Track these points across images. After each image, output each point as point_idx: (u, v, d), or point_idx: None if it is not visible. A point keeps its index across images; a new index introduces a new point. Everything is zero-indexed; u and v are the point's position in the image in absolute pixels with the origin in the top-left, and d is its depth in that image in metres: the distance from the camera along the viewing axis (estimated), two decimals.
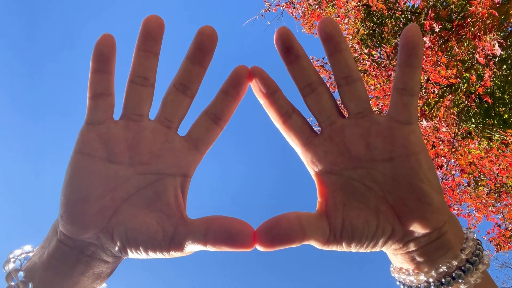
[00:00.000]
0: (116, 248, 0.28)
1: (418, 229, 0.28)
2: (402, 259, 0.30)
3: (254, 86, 0.31)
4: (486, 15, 3.09)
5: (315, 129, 0.31)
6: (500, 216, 3.40)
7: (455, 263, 0.28)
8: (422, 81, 3.18)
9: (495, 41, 3.01)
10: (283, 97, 0.31)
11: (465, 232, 0.30)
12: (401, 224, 0.28)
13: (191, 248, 0.28)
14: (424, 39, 3.06)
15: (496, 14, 3.08)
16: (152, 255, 0.28)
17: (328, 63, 0.30)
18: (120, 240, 0.28)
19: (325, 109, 0.30)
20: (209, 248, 0.28)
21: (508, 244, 3.31)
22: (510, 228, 3.34)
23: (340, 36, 0.29)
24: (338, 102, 0.32)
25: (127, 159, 0.29)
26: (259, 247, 0.28)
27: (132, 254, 0.29)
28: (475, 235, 0.30)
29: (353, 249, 0.29)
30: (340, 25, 3.37)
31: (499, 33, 3.26)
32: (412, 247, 0.29)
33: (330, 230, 0.29)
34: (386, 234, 0.28)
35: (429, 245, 0.28)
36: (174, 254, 0.29)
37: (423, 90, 3.19)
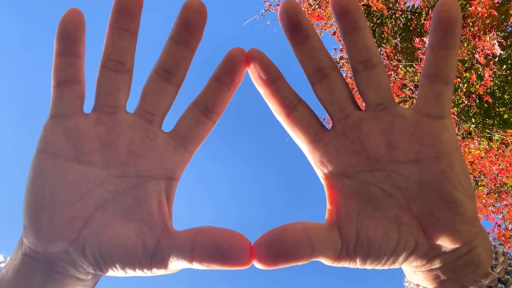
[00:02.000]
0: (89, 265, 0.24)
1: (446, 243, 0.23)
2: (423, 276, 0.25)
3: (253, 72, 0.26)
4: (486, 15, 3.08)
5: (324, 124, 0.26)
6: (500, 216, 3.36)
7: (485, 282, 0.23)
8: None
9: (495, 41, 3.01)
10: (287, 85, 0.26)
11: (493, 244, 0.25)
12: (426, 238, 0.23)
13: (176, 265, 0.24)
14: (424, 39, 3.03)
15: (496, 14, 3.07)
16: (130, 272, 0.24)
17: (343, 44, 0.25)
18: (92, 256, 0.23)
19: (338, 99, 0.25)
20: (197, 266, 0.23)
21: (508, 244, 3.26)
22: (510, 228, 3.30)
23: (358, 11, 0.23)
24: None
25: (100, 159, 0.25)
26: (257, 265, 0.23)
27: (108, 272, 0.24)
28: (505, 248, 0.26)
29: (369, 266, 0.24)
30: None
31: (499, 33, 3.25)
32: (437, 263, 0.24)
33: (342, 243, 0.24)
34: (408, 249, 0.23)
35: (457, 261, 0.24)
36: (157, 272, 0.24)
37: None
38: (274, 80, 0.25)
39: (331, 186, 0.25)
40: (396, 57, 3.35)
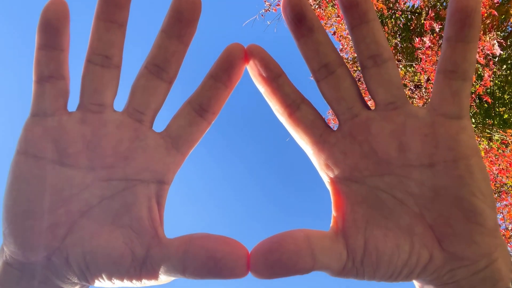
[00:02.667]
0: (74, 275, 0.22)
1: (464, 256, 0.21)
2: None
3: (252, 69, 0.24)
4: (486, 15, 3.07)
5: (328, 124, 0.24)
6: (500, 216, 3.34)
7: None
8: (422, 81, 3.12)
9: (495, 41, 3.00)
10: (289, 83, 0.24)
11: None
12: (441, 250, 0.21)
13: (167, 275, 0.22)
14: (424, 39, 3.01)
15: (496, 13, 3.06)
16: (118, 283, 0.22)
17: (350, 39, 0.23)
18: (77, 265, 0.22)
19: (345, 97, 0.23)
20: (190, 277, 0.22)
21: (509, 244, 3.24)
22: (510, 228, 3.28)
23: (366, 2, 0.21)
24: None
25: (85, 161, 0.23)
26: (254, 275, 0.21)
27: (94, 283, 0.22)
28: None
29: (377, 279, 0.22)
30: (339, 25, 3.31)
31: (499, 33, 3.24)
32: (452, 278, 0.22)
33: (348, 254, 0.22)
34: (421, 263, 0.21)
35: (474, 275, 0.21)
36: (147, 283, 0.22)
37: (423, 90, 3.13)
38: (276, 77, 0.23)
39: (337, 192, 0.23)
40: (396, 57, 3.34)
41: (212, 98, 0.23)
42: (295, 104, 0.23)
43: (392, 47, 3.25)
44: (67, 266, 0.22)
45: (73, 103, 0.23)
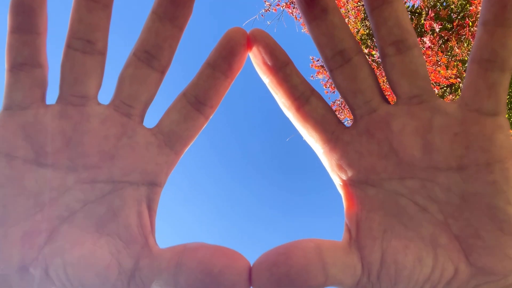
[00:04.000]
0: None
1: (494, 271, 0.19)
2: None
3: (256, 57, 0.21)
4: None
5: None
6: None
7: None
8: None
9: None
10: (297, 72, 0.21)
11: None
12: (468, 264, 0.19)
13: None
14: (424, 39, 2.99)
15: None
16: None
17: (370, 22, 0.20)
18: (58, 278, 0.19)
19: (362, 89, 0.20)
20: None
21: None
22: None
23: None
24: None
25: (65, 161, 0.20)
26: None
27: None
28: None
29: None
30: None
31: None
32: None
33: (363, 268, 0.19)
34: (445, 278, 0.19)
35: None
36: None
37: None
38: (282, 66, 0.20)
39: (350, 196, 0.21)
40: None
41: (210, 89, 0.21)
42: (304, 97, 0.20)
43: None
44: (47, 278, 0.19)
45: (53, 96, 0.21)
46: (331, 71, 0.20)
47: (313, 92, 0.21)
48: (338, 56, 0.20)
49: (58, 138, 0.20)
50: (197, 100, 0.21)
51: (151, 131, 0.21)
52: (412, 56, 0.19)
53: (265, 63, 0.20)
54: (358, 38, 3.54)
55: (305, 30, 3.76)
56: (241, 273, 0.18)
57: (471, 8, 3.05)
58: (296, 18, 3.71)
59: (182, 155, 0.22)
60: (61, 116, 0.20)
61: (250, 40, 0.20)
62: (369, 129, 0.20)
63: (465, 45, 3.10)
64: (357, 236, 0.20)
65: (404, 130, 0.20)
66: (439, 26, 3.03)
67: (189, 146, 0.22)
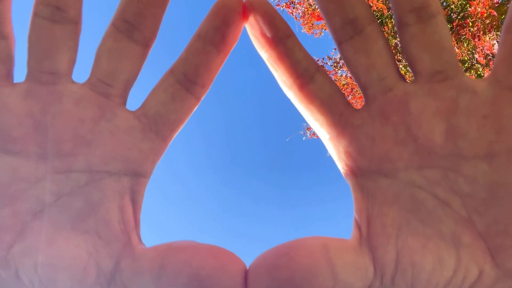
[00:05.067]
0: None
1: None
2: None
3: (253, 28, 0.18)
4: (485, 15, 3.04)
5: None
6: None
7: None
8: None
9: (495, 41, 2.98)
10: (300, 46, 0.18)
11: None
12: (495, 266, 0.16)
13: None
14: None
15: (495, 14, 3.04)
16: None
17: None
18: (29, 281, 0.17)
19: (376, 64, 0.17)
20: None
21: None
22: None
23: None
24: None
25: (34, 148, 0.18)
26: None
27: None
28: None
29: None
30: None
31: (499, 33, 3.22)
32: None
33: (376, 270, 0.17)
34: (468, 281, 0.16)
35: None
36: None
37: None
38: (283, 38, 0.18)
39: (360, 188, 0.18)
40: (396, 57, 3.29)
41: (201, 66, 0.18)
42: (308, 74, 0.18)
43: (392, 47, 3.21)
44: (17, 280, 0.17)
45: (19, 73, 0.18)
46: (340, 44, 0.18)
47: (318, 68, 0.18)
48: (349, 26, 0.17)
49: (26, 122, 0.17)
50: (186, 78, 0.18)
51: (134, 114, 0.18)
52: (435, 25, 0.17)
53: (263, 35, 0.18)
54: None
55: (305, 30, 3.74)
56: (234, 277, 0.16)
57: (470, 8, 3.04)
58: (296, 18, 3.69)
59: (171, 142, 0.19)
60: (28, 96, 0.17)
61: (247, 8, 0.18)
62: (383, 111, 0.17)
63: (465, 45, 3.09)
64: (368, 234, 0.17)
65: (425, 112, 0.17)
66: None
67: (178, 131, 0.19)
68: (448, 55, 0.17)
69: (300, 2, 3.57)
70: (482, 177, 0.16)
